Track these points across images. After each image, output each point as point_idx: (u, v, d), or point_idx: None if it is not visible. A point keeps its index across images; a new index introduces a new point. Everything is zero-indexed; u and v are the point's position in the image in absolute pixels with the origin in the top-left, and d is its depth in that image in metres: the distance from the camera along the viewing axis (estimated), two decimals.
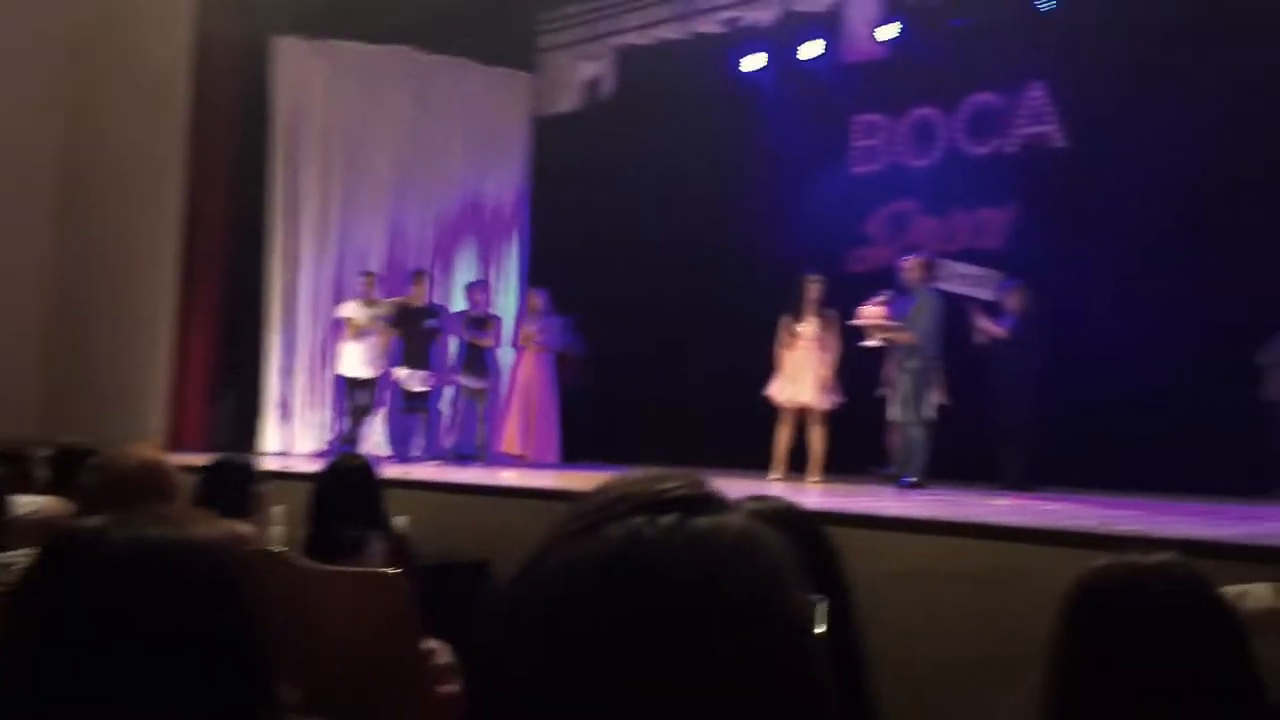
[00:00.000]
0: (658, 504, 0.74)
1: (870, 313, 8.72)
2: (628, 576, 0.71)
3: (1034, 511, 6.01)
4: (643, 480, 0.77)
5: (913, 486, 8.30)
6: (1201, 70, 8.95)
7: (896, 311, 8.75)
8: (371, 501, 4.24)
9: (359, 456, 4.64)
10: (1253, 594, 2.16)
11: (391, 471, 7.99)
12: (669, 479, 0.77)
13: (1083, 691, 1.53)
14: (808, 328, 8.89)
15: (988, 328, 8.86)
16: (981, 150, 10.68)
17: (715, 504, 0.77)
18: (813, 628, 0.76)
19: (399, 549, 4.21)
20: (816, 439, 8.88)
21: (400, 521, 5.73)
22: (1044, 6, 9.38)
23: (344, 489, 4.19)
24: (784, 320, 9.01)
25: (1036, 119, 10.31)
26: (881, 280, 9.55)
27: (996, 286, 9.98)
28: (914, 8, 9.99)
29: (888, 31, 10.04)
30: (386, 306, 10.58)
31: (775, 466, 8.96)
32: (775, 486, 8.06)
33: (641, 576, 0.71)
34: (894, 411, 8.85)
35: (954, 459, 9.19)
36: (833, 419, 8.97)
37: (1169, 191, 9.00)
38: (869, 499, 6.87)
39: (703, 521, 0.74)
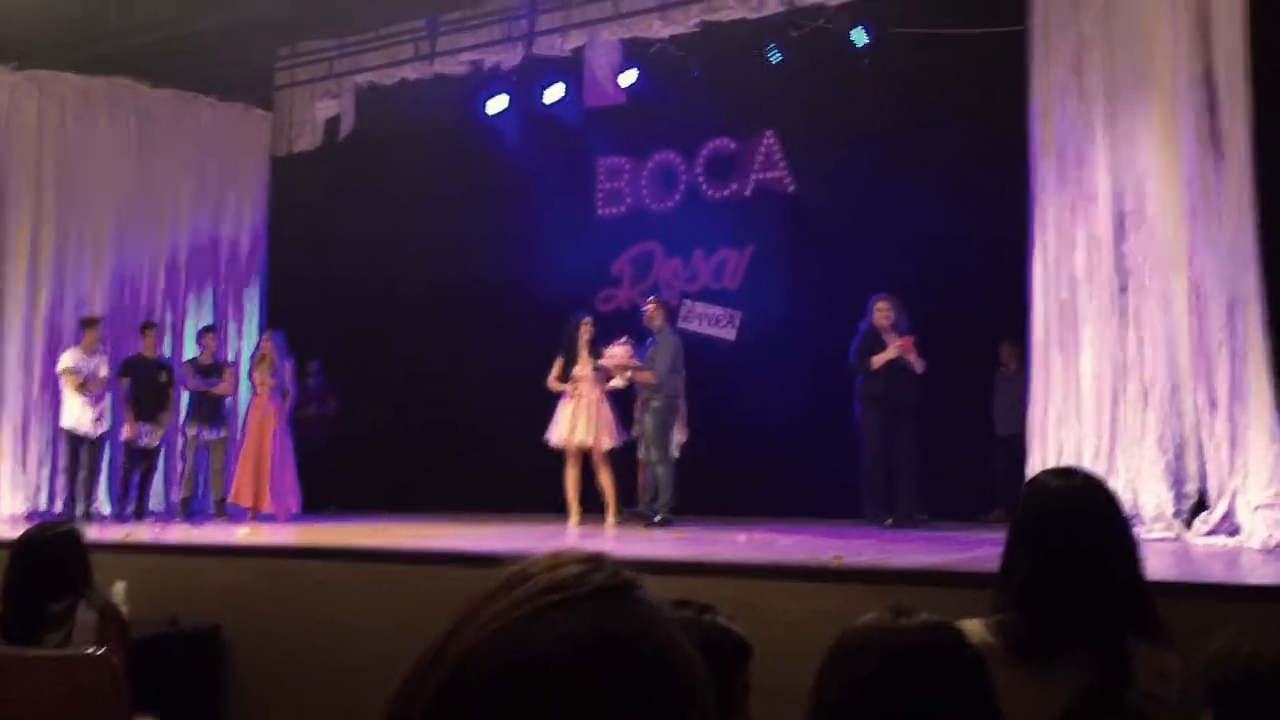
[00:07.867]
0: (586, 595, 0.78)
1: (615, 353, 8.80)
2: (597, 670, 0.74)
3: (775, 547, 6.18)
4: (563, 565, 0.80)
5: (661, 524, 8.41)
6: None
7: (641, 352, 8.87)
8: (75, 572, 3.90)
9: (59, 524, 4.25)
10: (966, 630, 2.24)
11: (113, 533, 7.47)
12: (589, 564, 0.80)
13: None
14: (583, 368, 8.85)
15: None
16: (720, 194, 11.05)
17: (634, 589, 0.80)
18: None
19: (110, 621, 3.90)
20: (606, 480, 8.74)
21: (117, 589, 5.33)
22: (773, 58, 9.79)
23: (41, 561, 3.83)
24: (557, 362, 8.93)
25: (769, 164, 10.76)
26: (629, 321, 9.69)
27: (736, 325, 10.33)
28: (653, 56, 10.23)
29: (627, 78, 10.26)
30: (107, 360, 9.90)
31: (572, 513, 8.76)
32: (574, 534, 7.97)
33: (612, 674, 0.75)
34: (641, 450, 8.96)
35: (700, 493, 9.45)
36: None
37: (888, 236, 9.55)
38: (638, 542, 6.87)
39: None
